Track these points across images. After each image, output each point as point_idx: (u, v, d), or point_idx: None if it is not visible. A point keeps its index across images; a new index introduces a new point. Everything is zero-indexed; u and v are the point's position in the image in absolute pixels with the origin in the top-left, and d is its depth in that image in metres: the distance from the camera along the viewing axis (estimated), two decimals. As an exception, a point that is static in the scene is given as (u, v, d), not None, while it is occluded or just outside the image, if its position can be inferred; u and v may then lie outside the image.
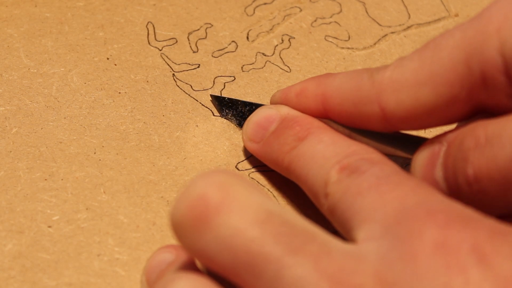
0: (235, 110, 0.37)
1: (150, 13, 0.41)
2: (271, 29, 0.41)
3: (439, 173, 0.28)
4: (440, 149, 0.28)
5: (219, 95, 0.37)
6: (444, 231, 0.23)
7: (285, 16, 0.42)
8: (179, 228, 0.24)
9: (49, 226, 0.33)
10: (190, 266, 0.26)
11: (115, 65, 0.39)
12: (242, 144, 0.36)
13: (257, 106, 0.36)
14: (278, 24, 0.42)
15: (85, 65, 0.39)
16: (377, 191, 0.25)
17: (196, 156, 0.36)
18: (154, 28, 0.40)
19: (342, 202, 0.26)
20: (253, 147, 0.34)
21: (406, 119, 0.29)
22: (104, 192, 0.34)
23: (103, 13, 0.41)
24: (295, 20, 0.42)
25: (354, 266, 0.23)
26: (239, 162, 0.36)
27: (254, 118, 0.34)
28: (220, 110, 0.37)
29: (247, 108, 0.36)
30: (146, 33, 0.40)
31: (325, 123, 0.32)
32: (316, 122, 0.32)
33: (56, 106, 0.37)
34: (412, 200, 0.24)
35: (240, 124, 0.36)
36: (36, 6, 0.41)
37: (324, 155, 0.29)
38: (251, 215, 0.23)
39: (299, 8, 0.42)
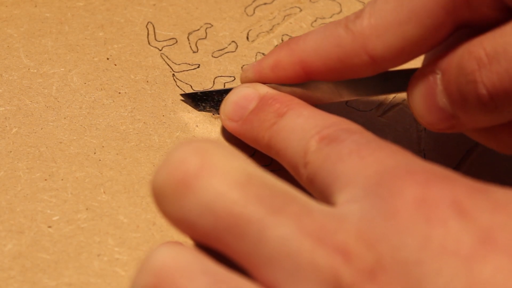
0: (212, 101, 0.36)
1: (150, 13, 0.41)
2: (271, 29, 0.41)
3: (443, 100, 0.29)
4: (435, 77, 0.29)
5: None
6: (424, 188, 0.23)
7: (285, 16, 0.42)
8: (159, 195, 0.23)
9: (49, 226, 0.33)
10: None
11: (115, 65, 0.39)
12: (242, 144, 0.36)
13: None
14: (278, 24, 0.41)
15: (85, 65, 0.39)
16: (358, 155, 0.25)
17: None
18: (154, 28, 0.40)
19: (322, 169, 0.26)
20: (232, 126, 0.34)
21: (395, 58, 0.30)
22: (104, 192, 0.34)
23: (103, 13, 0.41)
24: (295, 20, 0.42)
25: (336, 225, 0.23)
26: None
27: (232, 97, 0.33)
28: (196, 106, 0.37)
29: (224, 95, 0.36)
30: (146, 33, 0.40)
31: (310, 87, 0.32)
32: (296, 99, 0.32)
33: (56, 106, 0.37)
34: (392, 162, 0.24)
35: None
36: (36, 6, 0.41)
37: (303, 128, 0.29)
38: (232, 178, 0.23)
39: (299, 8, 0.42)
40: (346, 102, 0.39)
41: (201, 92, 0.37)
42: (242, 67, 0.36)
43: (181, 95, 0.37)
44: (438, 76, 0.29)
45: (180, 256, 0.23)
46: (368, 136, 0.27)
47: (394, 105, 0.39)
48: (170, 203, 0.23)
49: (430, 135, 0.37)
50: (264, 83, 0.34)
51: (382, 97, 0.39)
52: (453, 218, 0.22)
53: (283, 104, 0.31)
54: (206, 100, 0.37)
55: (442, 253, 0.22)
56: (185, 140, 0.24)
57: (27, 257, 0.32)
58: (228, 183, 0.23)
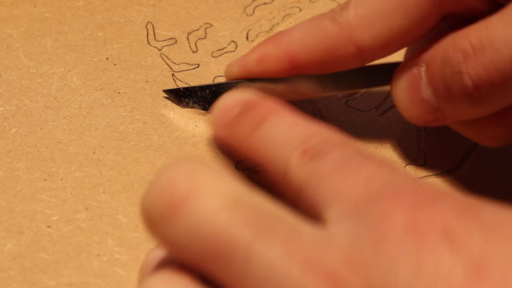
0: (195, 97, 0.36)
1: (149, 13, 0.41)
2: (270, 29, 0.41)
3: (427, 93, 0.29)
4: (419, 70, 0.29)
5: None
6: (414, 211, 0.22)
7: (284, 16, 0.42)
8: (148, 218, 0.24)
9: (49, 226, 0.33)
10: (172, 263, 0.26)
11: (115, 65, 0.39)
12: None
13: (217, 86, 0.35)
14: (278, 24, 0.41)
15: (85, 65, 0.39)
16: (341, 173, 0.25)
17: (196, 156, 0.36)
18: (153, 28, 0.40)
19: (307, 187, 0.25)
20: (217, 134, 0.32)
21: (382, 49, 0.30)
22: (104, 192, 0.34)
23: (102, 13, 0.41)
24: (295, 20, 0.42)
25: (324, 249, 0.22)
26: (238, 162, 0.35)
27: (219, 105, 0.32)
28: (179, 102, 0.37)
29: (207, 91, 0.36)
30: (146, 33, 0.40)
31: (293, 82, 0.32)
32: (276, 104, 0.30)
33: (55, 106, 0.37)
34: (378, 180, 0.24)
35: (205, 108, 0.36)
36: (35, 6, 0.41)
37: (282, 140, 0.27)
38: (218, 202, 0.23)
39: (299, 8, 0.42)
40: (346, 101, 0.39)
41: (183, 88, 0.37)
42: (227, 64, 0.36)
43: (164, 91, 0.37)
44: (423, 69, 0.29)
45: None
46: (351, 149, 0.26)
47: (394, 105, 0.39)
48: (158, 227, 0.23)
49: (430, 135, 0.37)
50: (248, 78, 0.34)
51: (381, 97, 0.39)
52: (444, 246, 0.22)
53: (262, 110, 0.29)
54: (189, 96, 0.36)
55: (434, 285, 0.21)
56: (172, 161, 0.24)
57: (27, 257, 0.32)
58: (214, 207, 0.23)
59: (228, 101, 0.31)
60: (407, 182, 0.24)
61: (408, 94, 0.30)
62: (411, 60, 0.30)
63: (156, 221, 0.23)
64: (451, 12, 0.29)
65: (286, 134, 0.27)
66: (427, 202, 0.23)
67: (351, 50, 0.30)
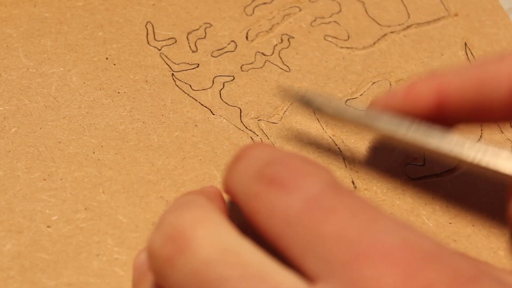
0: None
1: (149, 12, 0.41)
2: (270, 29, 0.41)
3: None
4: None
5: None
6: (405, 276, 0.20)
7: (284, 16, 0.42)
8: (154, 261, 0.25)
9: (48, 226, 0.33)
10: None
11: (114, 64, 0.39)
12: (241, 144, 0.36)
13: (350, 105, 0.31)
14: (278, 23, 0.41)
15: (84, 65, 0.39)
16: (310, 221, 0.23)
17: (195, 156, 0.36)
18: (153, 27, 0.40)
19: (273, 226, 0.24)
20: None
21: None
22: (103, 192, 0.34)
23: (102, 13, 0.41)
24: (295, 20, 0.42)
25: None
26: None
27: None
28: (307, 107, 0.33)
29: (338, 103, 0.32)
30: (145, 33, 0.40)
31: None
32: (258, 144, 0.27)
33: (55, 106, 0.37)
34: (356, 231, 0.22)
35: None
36: (35, 6, 0.41)
37: (245, 170, 0.26)
38: (205, 255, 0.23)
39: (299, 7, 0.42)
40: (346, 101, 0.39)
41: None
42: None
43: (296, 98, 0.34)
44: None
45: None
46: (319, 182, 0.24)
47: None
48: (161, 270, 0.24)
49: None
50: (392, 110, 0.30)
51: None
52: None
53: (241, 152, 0.27)
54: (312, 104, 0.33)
55: None
56: (179, 205, 0.25)
57: (26, 257, 0.32)
58: (204, 259, 0.23)
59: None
60: (392, 234, 0.22)
61: None
62: None
63: (160, 264, 0.24)
64: None
65: (249, 164, 0.26)
66: (419, 262, 0.21)
67: (502, 91, 0.26)
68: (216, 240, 0.24)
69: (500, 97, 0.26)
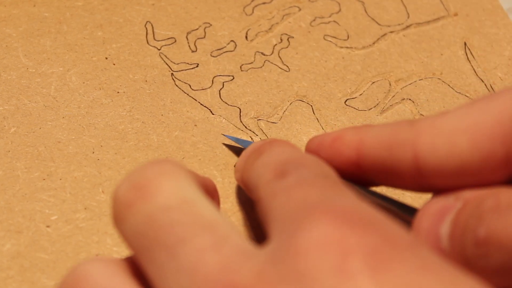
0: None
1: (148, 12, 0.41)
2: (270, 29, 0.41)
3: (445, 229, 0.26)
4: (454, 205, 0.26)
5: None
6: (340, 230, 0.21)
7: (284, 16, 0.42)
8: (114, 207, 0.25)
9: (48, 226, 0.33)
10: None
11: (114, 64, 0.39)
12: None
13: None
14: (277, 23, 0.41)
15: (84, 64, 0.39)
16: (288, 191, 0.24)
17: (195, 155, 0.36)
18: (152, 27, 0.40)
19: (263, 204, 0.25)
20: (236, 176, 0.33)
21: (438, 170, 0.26)
22: (103, 192, 0.34)
23: (101, 12, 0.41)
24: (294, 20, 0.42)
25: (241, 263, 0.22)
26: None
27: (244, 151, 0.33)
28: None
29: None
30: (145, 33, 0.40)
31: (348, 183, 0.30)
32: (283, 141, 0.31)
33: (54, 105, 0.37)
34: (317, 198, 0.23)
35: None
36: (34, 5, 0.41)
37: (266, 164, 0.28)
38: (164, 202, 0.24)
39: (298, 7, 0.42)
40: (345, 101, 0.39)
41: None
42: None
43: (224, 135, 0.37)
44: (458, 205, 0.26)
45: (99, 271, 0.24)
46: (313, 170, 0.25)
47: (393, 104, 0.39)
48: (118, 216, 0.25)
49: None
50: (321, 154, 0.31)
51: (381, 97, 0.39)
52: (364, 274, 0.20)
53: (264, 147, 0.30)
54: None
55: None
56: (153, 160, 0.26)
57: (26, 257, 0.32)
58: (158, 207, 0.24)
59: (248, 149, 0.32)
60: (349, 203, 0.22)
61: (429, 222, 0.26)
62: (456, 193, 0.27)
63: (119, 209, 0.25)
64: None
65: (271, 159, 0.28)
66: (359, 225, 0.21)
67: (407, 155, 0.27)
68: (176, 190, 0.24)
69: (405, 164, 0.27)
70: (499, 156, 0.25)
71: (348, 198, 0.23)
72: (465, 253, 0.25)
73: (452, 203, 0.26)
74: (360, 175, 0.29)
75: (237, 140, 0.36)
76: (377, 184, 0.29)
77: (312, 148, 0.31)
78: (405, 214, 0.29)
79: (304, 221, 0.22)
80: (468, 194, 0.26)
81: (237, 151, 0.36)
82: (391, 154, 0.27)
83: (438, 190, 0.27)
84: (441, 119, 0.26)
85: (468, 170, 0.26)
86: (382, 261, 0.20)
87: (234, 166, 0.35)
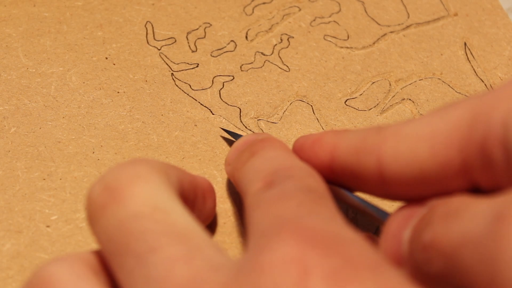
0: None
1: (149, 12, 0.41)
2: (270, 29, 0.41)
3: (406, 235, 0.26)
4: (419, 211, 0.26)
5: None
6: (303, 250, 0.21)
7: (284, 16, 0.42)
8: (88, 207, 0.26)
9: (48, 226, 0.33)
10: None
11: (114, 64, 0.39)
12: (241, 144, 0.36)
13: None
14: (277, 23, 0.41)
15: (84, 64, 0.39)
16: (269, 204, 0.25)
17: (195, 155, 0.36)
18: (153, 27, 0.40)
19: (247, 214, 0.26)
20: (226, 169, 0.33)
21: (400, 177, 0.26)
22: (103, 192, 0.34)
23: (101, 12, 0.41)
24: (294, 20, 0.42)
25: (208, 275, 0.22)
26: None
27: (236, 143, 0.33)
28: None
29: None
30: (145, 33, 0.40)
31: (333, 189, 0.30)
32: (278, 142, 0.31)
33: (54, 105, 0.37)
34: (290, 214, 0.23)
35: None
36: (34, 5, 0.41)
37: (257, 170, 0.28)
38: (136, 209, 0.24)
39: (298, 7, 0.42)
40: (345, 101, 0.39)
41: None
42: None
43: (222, 129, 0.37)
44: (423, 211, 0.26)
45: (65, 274, 0.25)
46: (299, 184, 0.26)
47: (393, 104, 0.39)
48: (93, 217, 0.25)
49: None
50: (301, 156, 0.31)
51: (381, 97, 0.39)
52: None
53: (259, 145, 0.31)
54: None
55: None
56: (126, 162, 0.26)
57: (26, 257, 0.32)
58: (129, 213, 0.24)
59: (240, 142, 0.33)
60: (320, 222, 0.23)
61: (396, 225, 0.27)
62: (424, 200, 0.27)
63: (93, 210, 0.25)
64: (477, 181, 0.25)
65: (263, 165, 0.28)
66: (324, 245, 0.22)
67: (372, 161, 0.27)
68: (149, 197, 0.25)
69: (370, 170, 0.27)
70: (456, 163, 0.25)
71: (320, 217, 0.24)
72: (414, 258, 0.25)
73: (418, 209, 0.26)
74: (334, 179, 0.29)
75: (234, 135, 0.36)
76: (351, 189, 0.30)
77: (296, 149, 0.31)
78: (383, 219, 0.29)
79: (271, 238, 0.22)
80: (435, 201, 0.26)
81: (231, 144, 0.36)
82: (358, 159, 0.28)
83: (403, 198, 0.27)
84: (406, 127, 0.27)
85: (428, 177, 0.26)
86: (342, 281, 0.21)
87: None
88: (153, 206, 0.24)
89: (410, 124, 0.27)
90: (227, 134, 0.37)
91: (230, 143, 0.36)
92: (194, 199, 0.30)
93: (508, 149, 0.23)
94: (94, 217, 0.25)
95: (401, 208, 0.27)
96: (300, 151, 0.31)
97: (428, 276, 0.24)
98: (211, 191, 0.32)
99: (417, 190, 0.27)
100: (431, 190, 0.26)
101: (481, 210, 0.22)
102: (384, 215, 0.29)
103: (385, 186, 0.27)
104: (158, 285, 0.23)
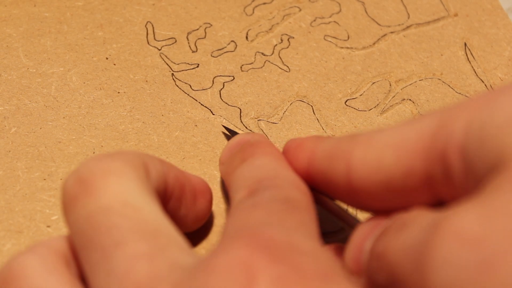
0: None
1: (149, 12, 0.41)
2: (270, 29, 0.41)
3: (367, 245, 0.26)
4: (383, 223, 0.27)
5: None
6: (253, 256, 0.22)
7: (284, 16, 0.42)
8: (62, 199, 0.26)
9: (48, 226, 0.33)
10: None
11: (114, 64, 0.39)
12: (241, 144, 0.36)
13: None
14: (277, 23, 0.41)
15: (84, 64, 0.39)
16: (244, 211, 0.25)
17: (195, 155, 0.36)
18: (153, 27, 0.40)
19: (226, 221, 0.26)
20: (220, 169, 0.33)
21: (367, 183, 0.27)
22: (103, 192, 0.34)
23: (102, 12, 0.41)
24: (294, 20, 0.42)
25: (166, 274, 0.23)
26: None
27: (229, 142, 0.33)
28: None
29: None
30: (145, 33, 0.40)
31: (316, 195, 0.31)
32: (269, 148, 0.31)
33: (55, 105, 0.37)
34: (256, 222, 0.24)
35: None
36: (35, 5, 0.41)
37: (244, 179, 0.29)
38: (106, 203, 0.24)
39: (298, 7, 0.42)
40: (346, 101, 0.39)
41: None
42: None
43: (223, 126, 0.37)
44: (385, 222, 0.26)
45: (35, 268, 0.25)
46: (281, 193, 0.27)
47: (393, 104, 0.39)
48: (66, 209, 0.26)
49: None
50: (286, 160, 0.31)
51: (381, 97, 0.39)
52: None
53: (250, 151, 0.31)
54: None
55: None
56: (100, 155, 0.26)
57: (26, 257, 0.32)
58: (100, 206, 0.24)
59: (234, 142, 0.33)
60: (279, 232, 0.24)
61: (360, 236, 0.27)
62: (392, 211, 0.27)
63: (66, 201, 0.25)
64: (439, 194, 0.26)
65: (250, 173, 0.29)
66: (276, 252, 0.22)
67: (342, 166, 0.27)
68: (119, 192, 0.25)
69: (339, 176, 0.27)
70: (419, 173, 0.25)
71: (283, 227, 0.24)
72: (368, 268, 0.25)
73: (382, 221, 0.27)
74: (312, 184, 0.30)
75: (234, 133, 0.36)
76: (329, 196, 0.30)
77: (284, 151, 0.31)
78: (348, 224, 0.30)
79: (229, 243, 0.23)
80: (398, 215, 0.26)
81: None
82: (330, 164, 0.28)
83: (370, 208, 0.28)
84: (377, 135, 0.27)
85: (393, 185, 0.26)
86: (287, 287, 0.21)
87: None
88: (123, 202, 0.25)
89: (381, 132, 0.27)
90: (228, 132, 0.37)
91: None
92: (181, 195, 0.30)
93: (466, 158, 0.23)
94: (66, 208, 0.25)
95: (368, 220, 0.27)
96: (286, 154, 0.31)
97: (378, 287, 0.25)
98: (205, 191, 0.32)
99: (384, 200, 0.27)
100: (397, 201, 0.27)
101: (425, 222, 0.23)
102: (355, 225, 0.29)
103: (353, 193, 0.27)
104: (118, 280, 0.23)
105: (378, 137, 0.27)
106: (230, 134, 0.36)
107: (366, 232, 0.27)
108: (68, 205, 0.25)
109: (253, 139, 0.32)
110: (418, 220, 0.23)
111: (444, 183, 0.25)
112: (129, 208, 0.24)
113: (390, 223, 0.26)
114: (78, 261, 0.26)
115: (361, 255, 0.26)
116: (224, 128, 0.37)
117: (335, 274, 0.22)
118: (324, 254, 0.23)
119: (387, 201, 0.27)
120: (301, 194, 0.28)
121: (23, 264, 0.25)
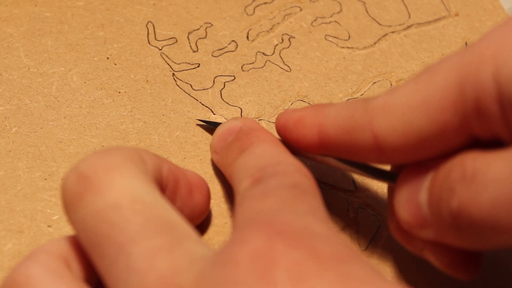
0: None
1: (150, 12, 0.41)
2: (271, 29, 0.41)
3: (423, 197, 0.27)
4: (427, 172, 0.27)
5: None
6: (270, 243, 0.22)
7: (285, 16, 0.42)
8: (64, 197, 0.26)
9: (49, 226, 0.33)
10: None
11: (115, 64, 0.39)
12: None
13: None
14: (278, 23, 0.41)
15: (85, 64, 0.39)
16: (252, 200, 0.26)
17: (196, 155, 0.36)
18: (154, 27, 0.40)
19: (235, 209, 0.27)
20: (214, 158, 0.34)
21: (399, 147, 0.27)
22: (104, 192, 0.34)
23: (102, 12, 0.41)
24: (295, 20, 0.42)
25: (186, 266, 0.23)
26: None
27: (219, 130, 0.33)
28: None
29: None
30: (146, 33, 0.40)
31: (324, 160, 0.31)
32: (265, 134, 0.31)
33: (56, 105, 0.37)
34: (268, 210, 0.24)
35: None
36: (36, 5, 0.41)
37: (246, 168, 0.29)
38: (114, 199, 0.24)
39: (299, 7, 0.42)
40: (347, 101, 0.39)
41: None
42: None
43: (198, 120, 0.37)
44: (431, 173, 0.27)
45: (41, 277, 0.25)
46: (286, 179, 0.27)
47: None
48: (69, 207, 0.25)
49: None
50: (285, 136, 0.32)
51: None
52: (285, 284, 0.21)
53: (248, 140, 0.31)
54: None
55: None
56: (100, 151, 0.26)
57: (27, 257, 0.32)
58: (109, 203, 0.24)
59: (226, 127, 0.33)
60: (292, 218, 0.24)
61: (407, 191, 0.27)
62: (427, 161, 0.27)
63: (69, 199, 0.25)
64: (476, 134, 0.26)
65: (252, 162, 0.29)
66: (290, 239, 0.22)
67: (367, 137, 0.27)
68: (126, 188, 0.25)
69: (367, 146, 0.28)
70: (454, 125, 0.26)
71: (296, 213, 0.24)
72: (444, 224, 0.26)
73: (425, 170, 0.27)
74: (326, 153, 0.30)
75: (213, 124, 0.36)
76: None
77: (279, 129, 0.32)
78: (383, 179, 0.30)
79: (245, 232, 0.23)
80: (440, 162, 0.27)
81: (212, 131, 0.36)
82: (351, 138, 0.28)
83: (402, 162, 0.28)
84: (393, 98, 0.27)
85: (427, 143, 0.27)
86: (304, 273, 0.21)
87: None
88: (132, 197, 0.25)
89: (396, 95, 0.27)
90: (204, 123, 0.37)
91: (210, 130, 0.36)
92: (175, 187, 0.30)
93: (504, 103, 0.24)
94: (70, 206, 0.25)
95: (404, 174, 0.28)
96: (283, 131, 0.31)
97: (463, 240, 0.25)
98: (201, 186, 0.32)
99: (418, 155, 0.27)
100: (431, 153, 0.27)
101: (500, 171, 0.24)
102: (388, 177, 0.30)
103: (383, 156, 0.28)
104: (138, 275, 0.23)
105: (396, 102, 0.27)
106: (210, 125, 0.36)
107: (411, 186, 0.27)
108: (72, 203, 0.25)
109: (246, 126, 0.32)
110: (490, 170, 0.24)
111: (481, 126, 0.25)
112: (139, 203, 0.24)
113: (440, 173, 0.26)
114: (81, 259, 0.26)
115: (417, 209, 0.27)
116: (199, 121, 0.37)
117: (350, 255, 0.23)
118: (337, 237, 0.24)
119: (421, 155, 0.27)
120: (306, 178, 0.28)
121: (26, 274, 0.25)
